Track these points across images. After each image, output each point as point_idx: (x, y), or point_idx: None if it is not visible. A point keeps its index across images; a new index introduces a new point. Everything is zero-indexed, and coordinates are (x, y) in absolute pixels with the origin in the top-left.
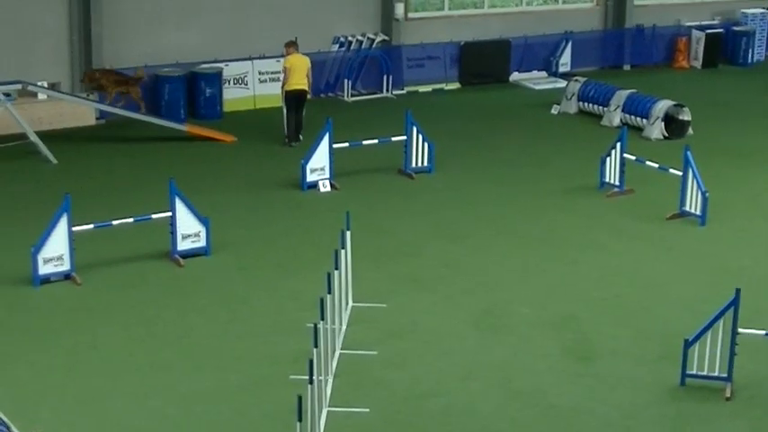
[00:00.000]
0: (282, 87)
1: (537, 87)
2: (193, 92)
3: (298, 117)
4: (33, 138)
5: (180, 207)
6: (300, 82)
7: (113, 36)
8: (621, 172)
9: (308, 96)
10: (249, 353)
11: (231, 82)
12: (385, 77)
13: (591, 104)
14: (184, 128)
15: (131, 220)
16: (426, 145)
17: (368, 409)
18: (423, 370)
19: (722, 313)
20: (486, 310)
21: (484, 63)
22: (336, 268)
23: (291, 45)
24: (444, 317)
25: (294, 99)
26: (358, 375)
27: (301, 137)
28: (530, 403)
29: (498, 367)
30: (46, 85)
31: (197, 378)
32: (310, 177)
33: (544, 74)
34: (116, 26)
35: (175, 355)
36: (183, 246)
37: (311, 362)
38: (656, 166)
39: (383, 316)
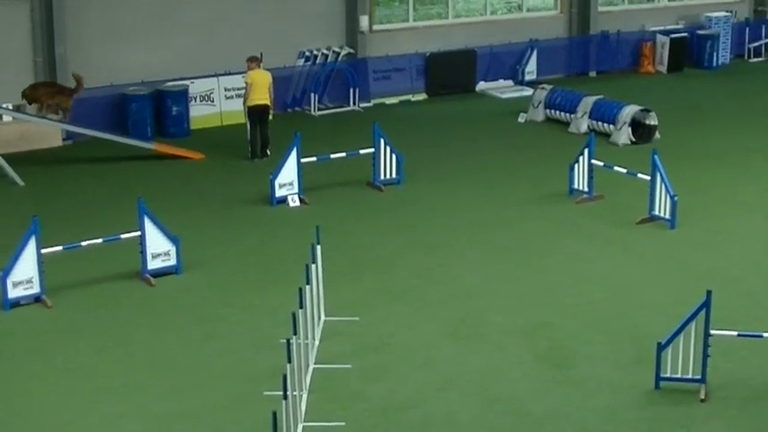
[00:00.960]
0: (244, 103)
1: (503, 96)
2: (160, 110)
3: (263, 132)
4: None
5: (149, 226)
6: (262, 97)
7: (78, 56)
8: (590, 178)
9: (272, 111)
10: (224, 371)
11: (197, 99)
12: (351, 90)
13: (558, 112)
14: (152, 146)
15: (100, 240)
16: (394, 157)
17: (343, 423)
18: (399, 382)
19: (694, 315)
20: (460, 319)
21: (450, 73)
22: (308, 283)
23: (253, 60)
24: (418, 328)
25: (257, 114)
26: (333, 389)
27: (269, 152)
28: (507, 411)
29: (474, 376)
30: (11, 107)
31: (173, 398)
32: (279, 192)
33: (510, 82)
34: (80, 46)
35: (150, 376)
36: (153, 265)
37: (285, 377)
38: (625, 171)
39: (357, 329)
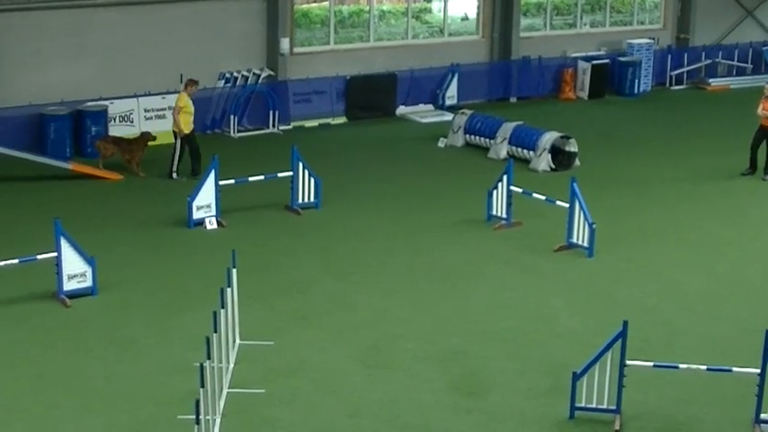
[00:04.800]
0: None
1: (423, 121)
2: (79, 130)
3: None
4: None
5: (65, 247)
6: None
7: None
8: (508, 204)
9: (177, 133)
10: (137, 393)
11: (117, 119)
12: (271, 113)
13: (477, 137)
14: (70, 166)
15: (16, 261)
16: (313, 180)
17: None
18: (310, 408)
19: (610, 345)
20: (373, 345)
21: (370, 97)
22: (223, 306)
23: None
24: (332, 354)
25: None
26: (246, 414)
27: (175, 175)
28: None
29: (386, 403)
30: None
31: (86, 419)
32: (197, 215)
33: (431, 107)
34: None
35: (63, 396)
36: (69, 286)
37: (197, 402)
38: (543, 198)
39: (271, 354)
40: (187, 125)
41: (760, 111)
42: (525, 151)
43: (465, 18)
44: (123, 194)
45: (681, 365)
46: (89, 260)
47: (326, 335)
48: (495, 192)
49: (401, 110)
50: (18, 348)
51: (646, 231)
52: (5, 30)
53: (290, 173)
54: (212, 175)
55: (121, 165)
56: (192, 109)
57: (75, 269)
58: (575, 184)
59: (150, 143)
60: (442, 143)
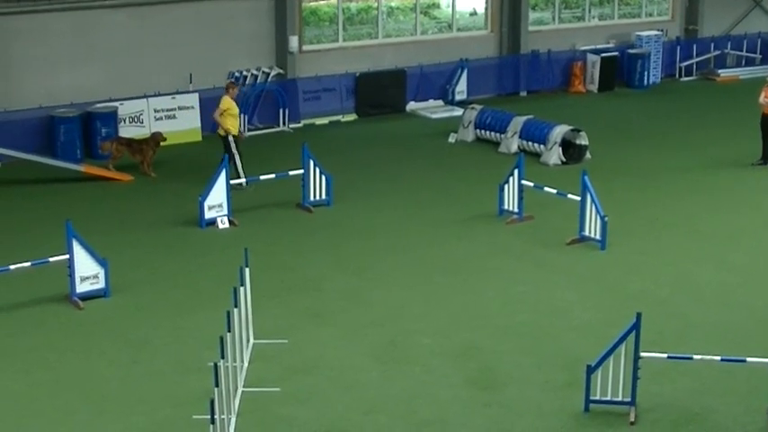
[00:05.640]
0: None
1: (434, 116)
2: (89, 132)
3: None
4: None
5: (77, 249)
6: None
7: (6, 77)
8: (520, 198)
9: (221, 134)
10: (152, 394)
11: (127, 120)
12: (281, 111)
13: (488, 132)
14: (81, 168)
15: (29, 264)
16: (324, 178)
17: None
18: (326, 405)
19: (624, 338)
20: (388, 341)
21: (380, 93)
22: (236, 305)
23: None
24: (347, 350)
25: None
26: (261, 413)
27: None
28: None
29: (402, 399)
30: None
31: (101, 422)
32: (208, 214)
33: (440, 102)
34: (8, 68)
35: (78, 399)
36: (81, 288)
37: (212, 401)
38: (555, 191)
39: (285, 352)
40: (234, 126)
41: (761, 99)
42: (536, 145)
43: (473, 13)
44: (134, 195)
45: (695, 356)
46: (101, 262)
47: (341, 332)
48: (506, 186)
49: (411, 106)
50: (32, 352)
51: (657, 223)
52: (13, 33)
53: (301, 171)
54: (223, 174)
55: (132, 166)
56: (236, 111)
57: (87, 271)
58: (586, 177)
59: (161, 143)
60: (452, 138)
